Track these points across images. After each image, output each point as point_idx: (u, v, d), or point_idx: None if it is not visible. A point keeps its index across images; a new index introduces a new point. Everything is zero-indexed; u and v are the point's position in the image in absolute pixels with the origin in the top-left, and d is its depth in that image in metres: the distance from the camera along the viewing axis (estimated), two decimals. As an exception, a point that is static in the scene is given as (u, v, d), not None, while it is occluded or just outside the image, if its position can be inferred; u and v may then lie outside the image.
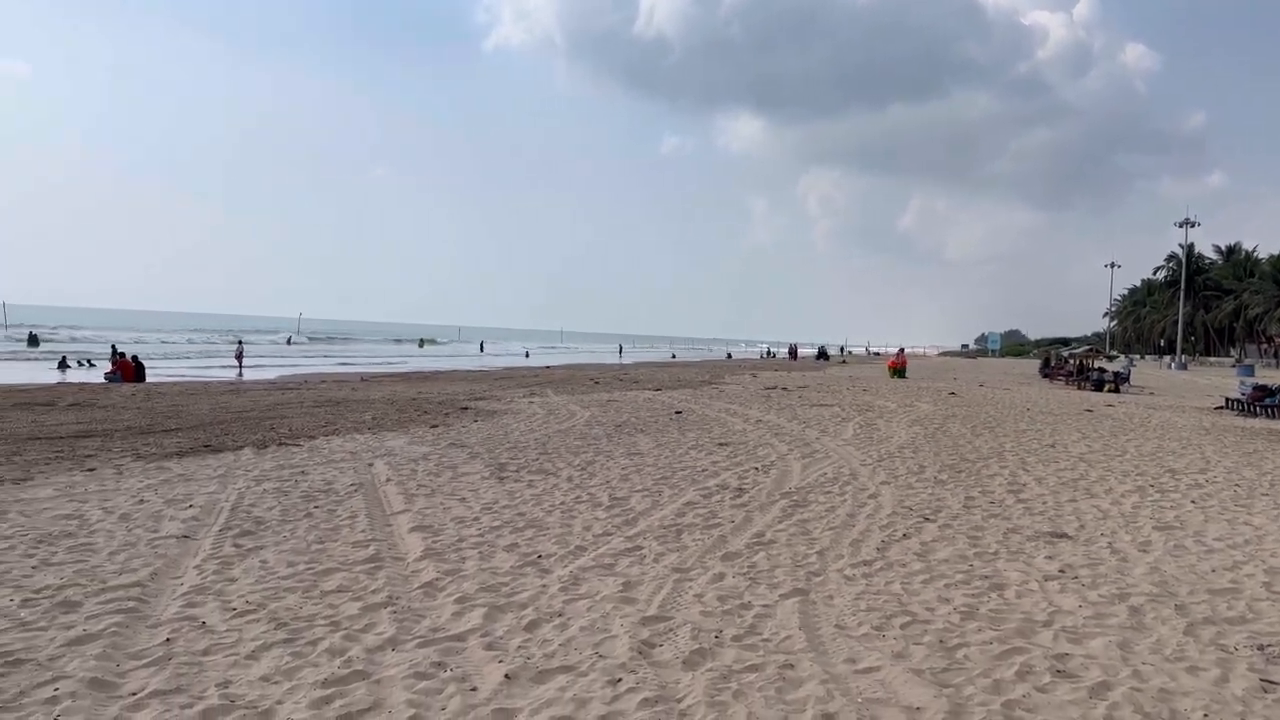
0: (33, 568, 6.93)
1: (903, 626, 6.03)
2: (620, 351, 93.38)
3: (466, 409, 21.50)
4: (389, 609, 6.15)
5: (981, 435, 17.62)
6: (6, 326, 72.78)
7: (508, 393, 27.52)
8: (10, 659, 5.10)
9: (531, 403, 23.64)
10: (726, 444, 15.32)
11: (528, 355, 78.59)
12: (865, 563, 7.57)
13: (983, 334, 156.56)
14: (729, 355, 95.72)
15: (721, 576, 7.07)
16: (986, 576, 7.28)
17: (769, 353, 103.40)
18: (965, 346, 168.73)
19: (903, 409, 23.60)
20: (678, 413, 21.38)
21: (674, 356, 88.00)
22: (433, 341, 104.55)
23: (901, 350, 60.20)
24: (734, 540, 8.29)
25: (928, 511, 9.80)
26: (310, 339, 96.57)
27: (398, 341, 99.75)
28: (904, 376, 43.44)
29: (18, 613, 5.88)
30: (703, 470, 12.34)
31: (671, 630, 5.82)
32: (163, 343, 65.02)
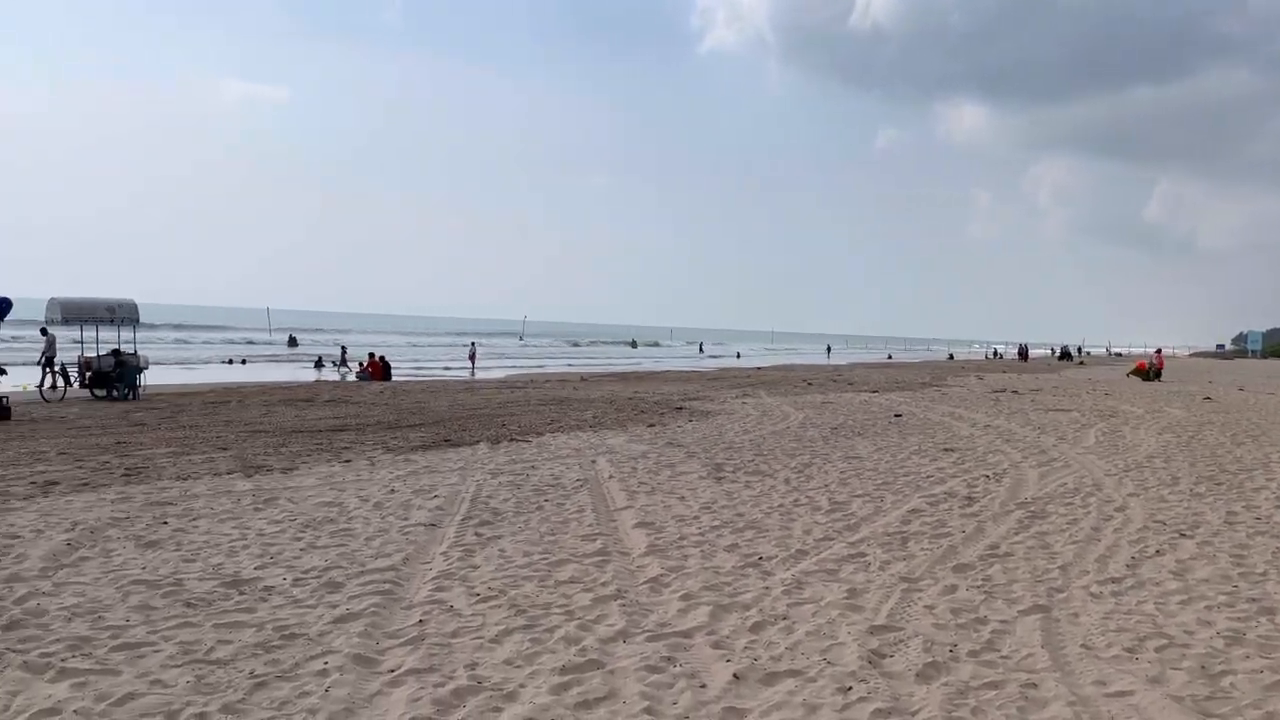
0: (301, 550, 7.61)
1: (1158, 649, 5.57)
2: (828, 352, 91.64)
3: (681, 409, 21.77)
4: (618, 601, 6.31)
5: (1244, 444, 16.02)
6: (271, 330, 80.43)
7: (720, 393, 27.64)
8: (286, 632, 5.62)
9: (744, 403, 23.64)
10: (952, 449, 14.71)
11: (739, 356, 78.63)
12: (1114, 580, 7.05)
13: (1241, 332, 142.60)
14: (950, 356, 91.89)
15: (953, 588, 6.79)
16: (1254, 599, 6.61)
17: (995, 353, 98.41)
18: (1221, 347, 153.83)
19: (1151, 415, 21.83)
20: (897, 415, 20.75)
21: (890, 357, 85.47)
22: (654, 344, 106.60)
23: (1159, 351, 55.65)
24: (965, 551, 7.95)
25: (1184, 527, 9.01)
26: (534, 340, 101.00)
27: (614, 343, 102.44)
28: (1157, 379, 40.13)
29: (291, 590, 6.48)
30: (927, 476, 11.91)
31: (902, 641, 5.65)
32: (412, 346, 69.81)
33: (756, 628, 5.83)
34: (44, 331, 25.53)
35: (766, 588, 6.69)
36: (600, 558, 7.48)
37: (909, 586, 6.80)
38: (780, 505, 9.77)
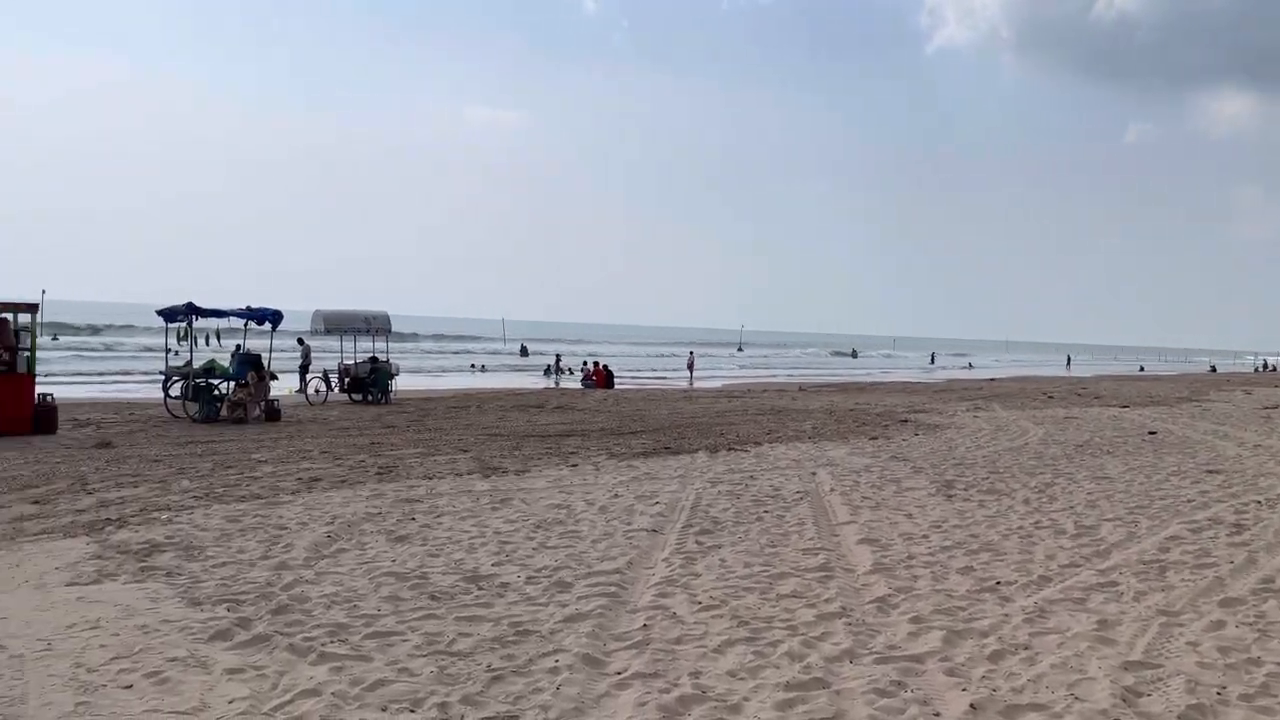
0: (533, 549, 7.90)
1: None
2: (1068, 363, 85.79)
3: (906, 421, 21.02)
4: (843, 620, 6.12)
5: None
6: (505, 340, 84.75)
7: (949, 406, 26.47)
8: (520, 629, 5.83)
9: (976, 417, 22.51)
10: (1217, 471, 13.36)
11: (970, 366, 75.13)
12: None
13: None
14: (1212, 369, 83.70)
15: (1220, 624, 6.12)
16: None
17: (1266, 366, 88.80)
18: None
19: None
20: (1151, 433, 19.10)
21: (1142, 369, 79.05)
22: (885, 354, 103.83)
23: None
24: (1234, 584, 7.16)
25: None
26: (752, 349, 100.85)
27: (832, 352, 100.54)
28: None
29: (524, 588, 6.73)
30: (1188, 500, 10.86)
31: (1161, 680, 5.14)
32: (630, 356, 71.66)
33: (995, 656, 5.48)
34: (301, 341, 28.30)
35: (1005, 615, 6.29)
36: (823, 573, 7.30)
37: (1168, 620, 6.19)
38: (1019, 527, 9.19)
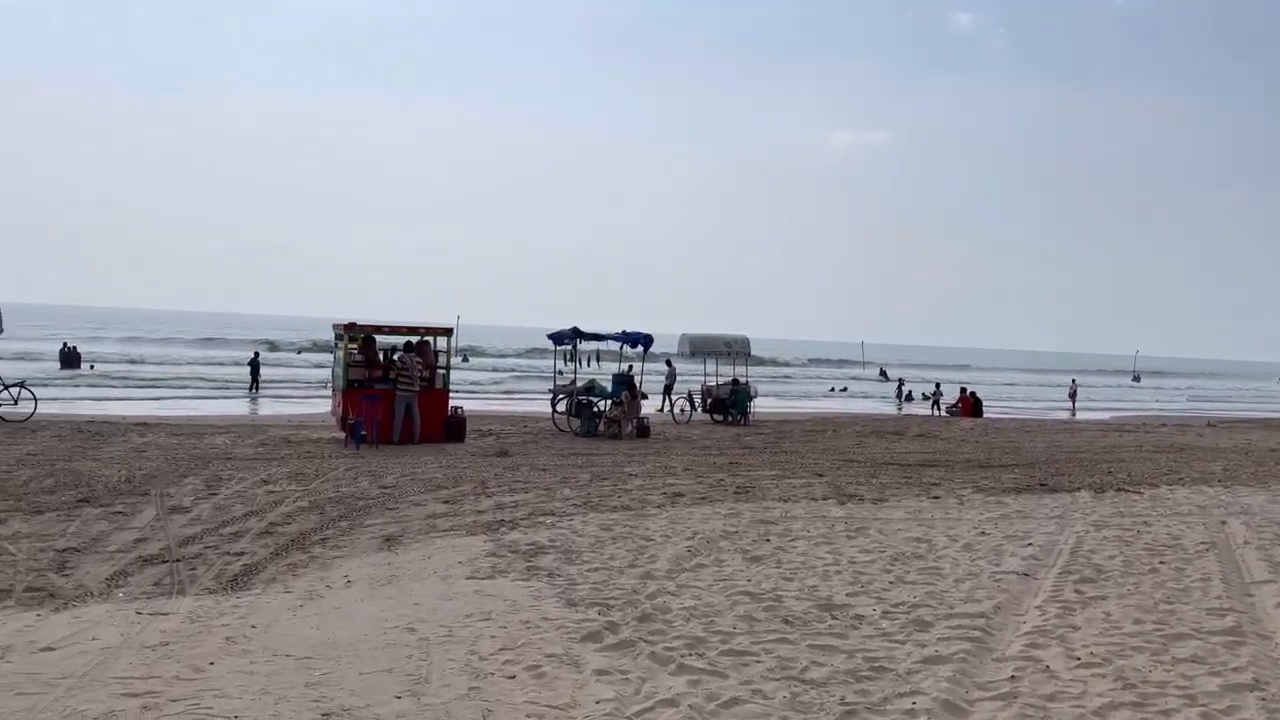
0: (890, 582, 7.63)
1: None
2: None
3: (1348, 468, 17.74)
4: (1256, 693, 5.26)
5: None
6: (864, 363, 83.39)
7: None
8: (875, 664, 5.64)
9: None
10: None
11: None
12: None
13: None
14: None
15: None
16: None
17: None
18: None
19: None
20: None
21: None
22: None
23: None
24: None
25: None
26: (1146, 376, 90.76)
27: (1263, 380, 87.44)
28: None
29: (879, 622, 6.51)
30: None
31: None
32: (1005, 385, 67.49)
33: None
34: (669, 363, 29.74)
35: None
36: (1232, 638, 6.33)
37: None
38: None
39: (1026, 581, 7.81)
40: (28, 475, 12.00)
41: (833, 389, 53.36)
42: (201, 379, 37.50)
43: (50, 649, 5.54)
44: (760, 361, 69.30)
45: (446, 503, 11.07)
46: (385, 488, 12.06)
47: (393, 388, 17.63)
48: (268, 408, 28.13)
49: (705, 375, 27.76)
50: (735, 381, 26.03)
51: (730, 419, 25.13)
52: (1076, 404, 43.76)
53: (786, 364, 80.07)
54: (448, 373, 19.10)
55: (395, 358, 18.13)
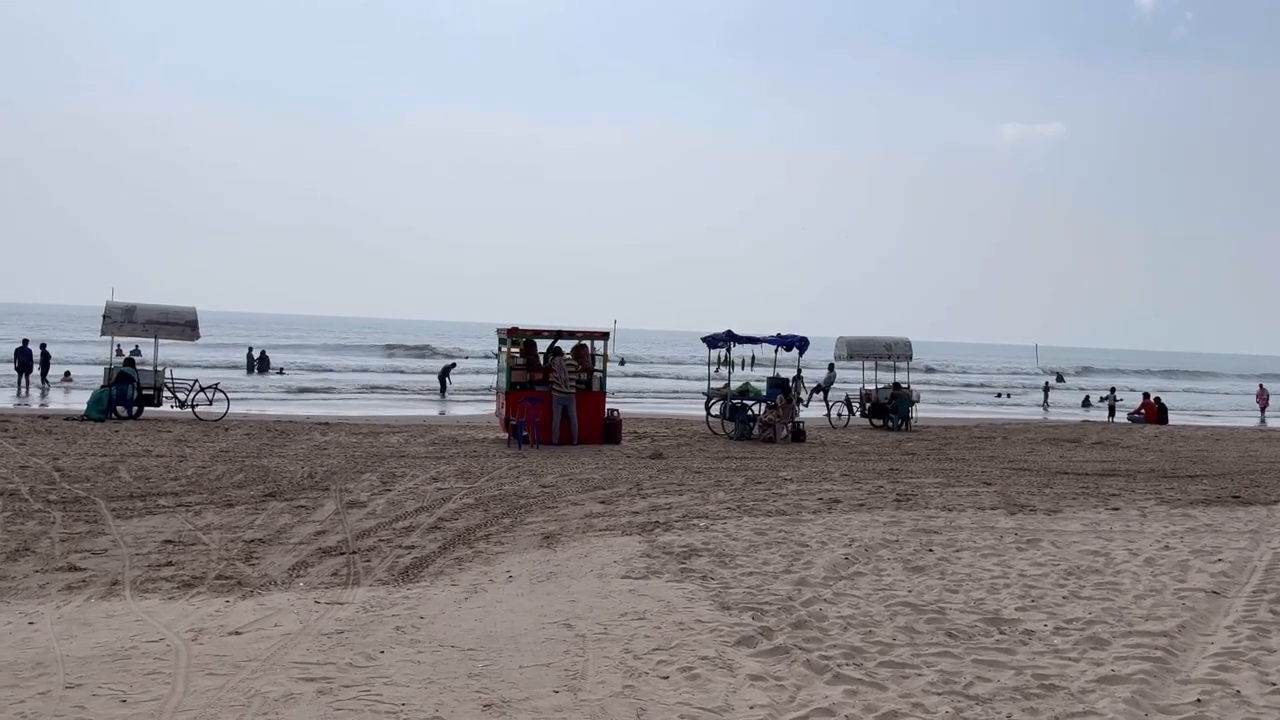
0: (1063, 597, 7.24)
1: None
2: None
3: None
4: None
5: None
6: (1040, 369, 79.71)
7: None
8: (1046, 682, 5.36)
9: None
10: None
11: None
12: None
13: None
14: None
15: None
16: None
17: None
18: None
19: None
20: None
21: None
22: None
23: None
24: None
25: None
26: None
27: None
28: None
29: (1051, 638, 6.18)
30: None
31: None
32: (1186, 391, 62.97)
33: None
34: (830, 367, 29.22)
35: None
36: None
37: None
38: None
39: (1215, 600, 7.25)
40: (221, 470, 12.96)
41: (1000, 394, 51.11)
42: (391, 387, 39.27)
43: (237, 633, 5.96)
44: (927, 368, 67.20)
45: (603, 503, 11.25)
46: (545, 487, 12.37)
47: (549, 389, 18.09)
48: (434, 409, 29.37)
49: (864, 379, 27.18)
50: (896, 386, 25.41)
51: (890, 424, 24.54)
52: (1266, 411, 40.25)
53: (950, 368, 77.33)
54: (604, 376, 19.42)
55: (550, 361, 18.58)
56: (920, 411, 26.29)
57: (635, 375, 51.97)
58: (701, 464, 15.43)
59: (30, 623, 6.06)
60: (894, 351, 26.51)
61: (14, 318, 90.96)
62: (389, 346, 68.99)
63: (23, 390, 28.96)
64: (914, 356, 27.36)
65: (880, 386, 25.82)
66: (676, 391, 41.40)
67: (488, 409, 26.20)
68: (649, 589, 7.24)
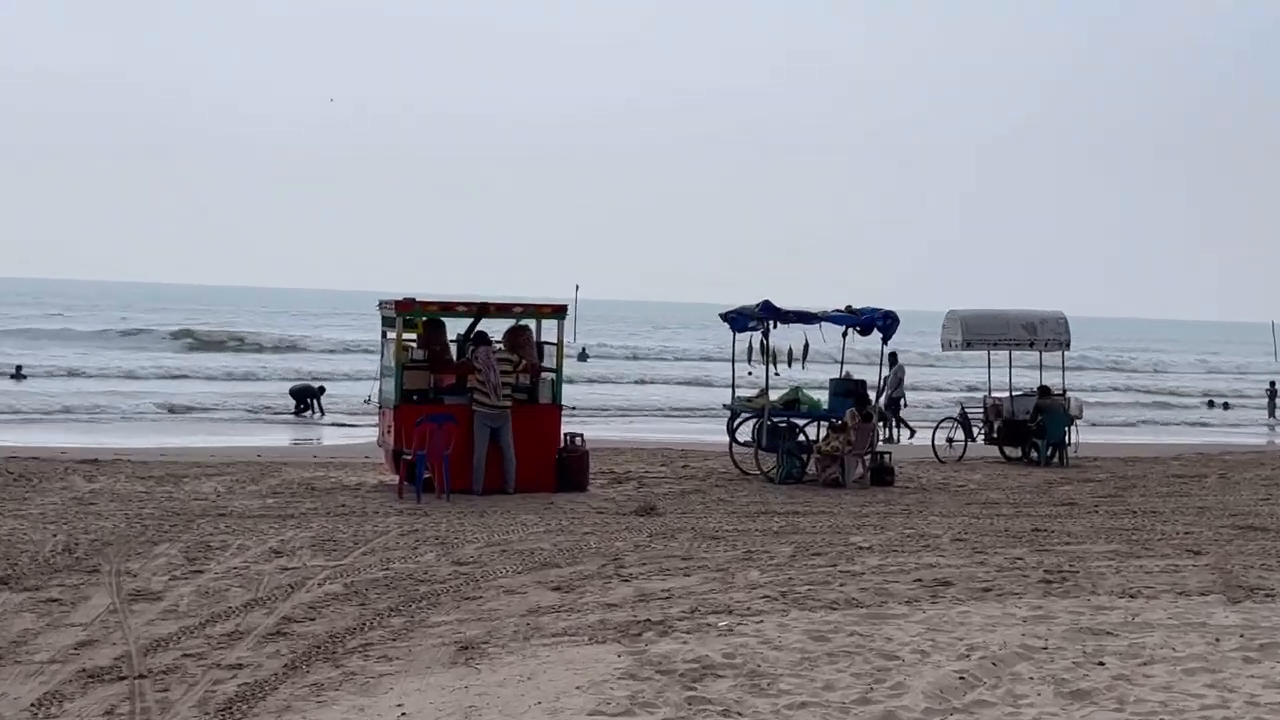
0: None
1: None
2: None
3: None
4: None
5: None
6: (1278, 355, 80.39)
7: None
8: None
9: None
10: None
11: None
12: None
13: None
14: None
15: None
16: None
17: None
18: None
19: None
20: None
21: None
22: None
23: None
24: None
25: None
26: None
27: None
28: None
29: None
30: None
31: None
32: None
33: None
34: (894, 359, 27.82)
35: None
36: None
37: None
38: None
39: None
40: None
41: (1212, 402, 51.40)
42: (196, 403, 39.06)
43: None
44: (1086, 362, 66.77)
45: (557, 589, 11.22)
46: (461, 564, 12.33)
47: (469, 402, 17.89)
48: (278, 437, 29.28)
49: (990, 381, 27.10)
50: (1044, 391, 25.11)
51: (1035, 456, 24.44)
52: None
53: (1127, 362, 77.60)
54: (559, 379, 19.22)
55: (470, 354, 18.31)
56: (1083, 434, 26.26)
57: (607, 379, 51.90)
58: (721, 524, 15.40)
59: None
60: (1039, 334, 26.19)
61: None
62: (182, 334, 68.32)
63: None
64: (1072, 343, 27.09)
65: (1018, 394, 25.65)
66: (679, 406, 41.44)
67: (366, 435, 26.08)
68: (636, 735, 7.22)
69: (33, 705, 7.70)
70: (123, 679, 8.28)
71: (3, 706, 7.69)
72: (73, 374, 45.66)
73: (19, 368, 43.67)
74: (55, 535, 13.37)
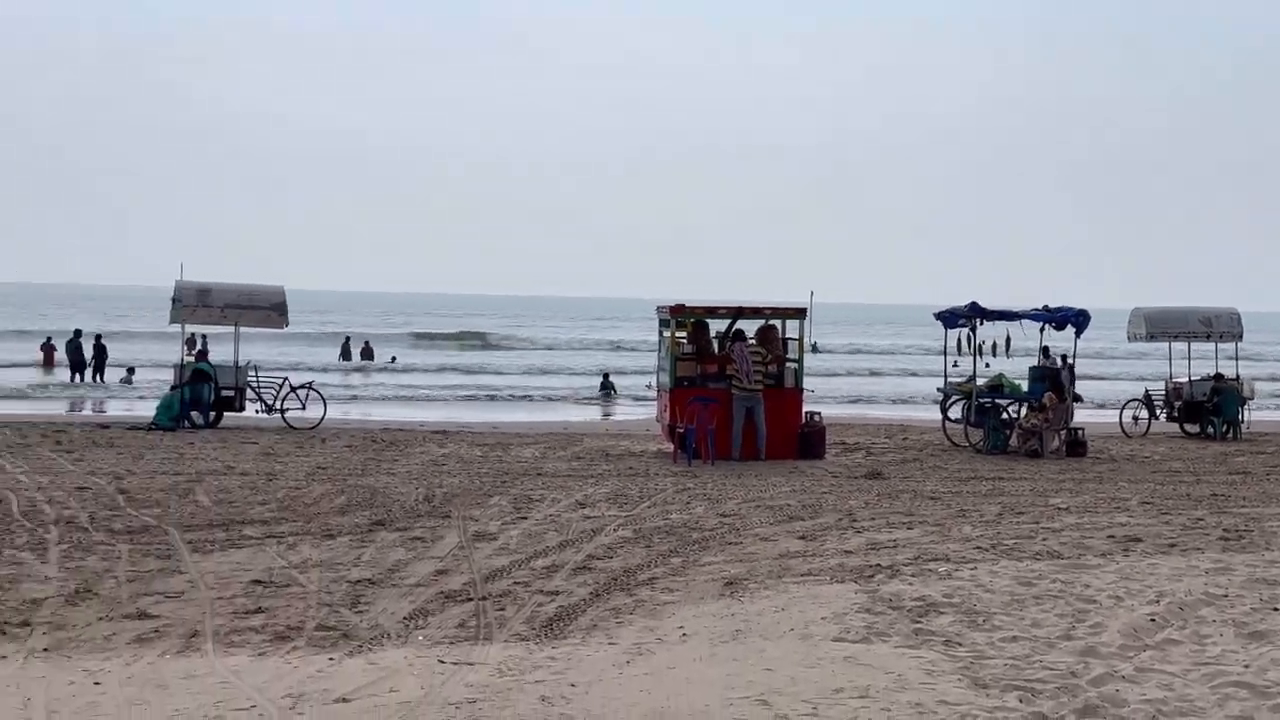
0: None
1: None
2: None
3: None
4: None
5: None
6: None
7: None
8: None
9: None
10: None
11: None
12: None
13: None
14: None
15: None
16: None
17: None
18: None
19: None
20: None
21: None
22: None
23: None
24: None
25: None
26: None
27: None
28: None
29: None
30: None
31: None
32: None
33: None
34: (1064, 360, 26.68)
35: None
36: None
37: None
38: None
39: None
40: (318, 492, 13.61)
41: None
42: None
43: (345, 700, 6.20)
44: (1262, 354, 62.91)
45: (802, 538, 11.15)
46: (725, 516, 12.37)
47: (728, 387, 18.00)
48: (579, 414, 29.93)
49: (1171, 368, 25.94)
50: (1218, 377, 24.16)
51: (1212, 431, 23.40)
52: None
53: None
54: (800, 368, 19.23)
55: (729, 348, 18.48)
56: (1255, 413, 25.03)
57: (834, 373, 51.22)
58: (937, 486, 15.09)
59: (96, 683, 6.48)
60: (1216, 328, 25.24)
61: (70, 303, 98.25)
62: (471, 336, 69.64)
63: (78, 393, 31.27)
64: (1243, 335, 25.99)
65: (1196, 379, 24.66)
66: (897, 392, 40.70)
67: (646, 413, 26.47)
68: (872, 656, 7.11)
69: (405, 618, 8.04)
70: (470, 600, 8.57)
71: (384, 618, 8.05)
72: (420, 369, 47.52)
73: (394, 357, 45.92)
74: (417, 489, 13.93)
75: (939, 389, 23.10)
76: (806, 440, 18.54)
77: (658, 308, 20.09)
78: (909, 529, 11.73)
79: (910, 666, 6.88)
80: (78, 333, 34.92)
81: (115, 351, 36.70)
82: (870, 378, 48.05)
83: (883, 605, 8.39)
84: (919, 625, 7.84)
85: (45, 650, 7.14)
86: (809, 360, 22.41)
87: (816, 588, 9.03)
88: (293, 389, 22.33)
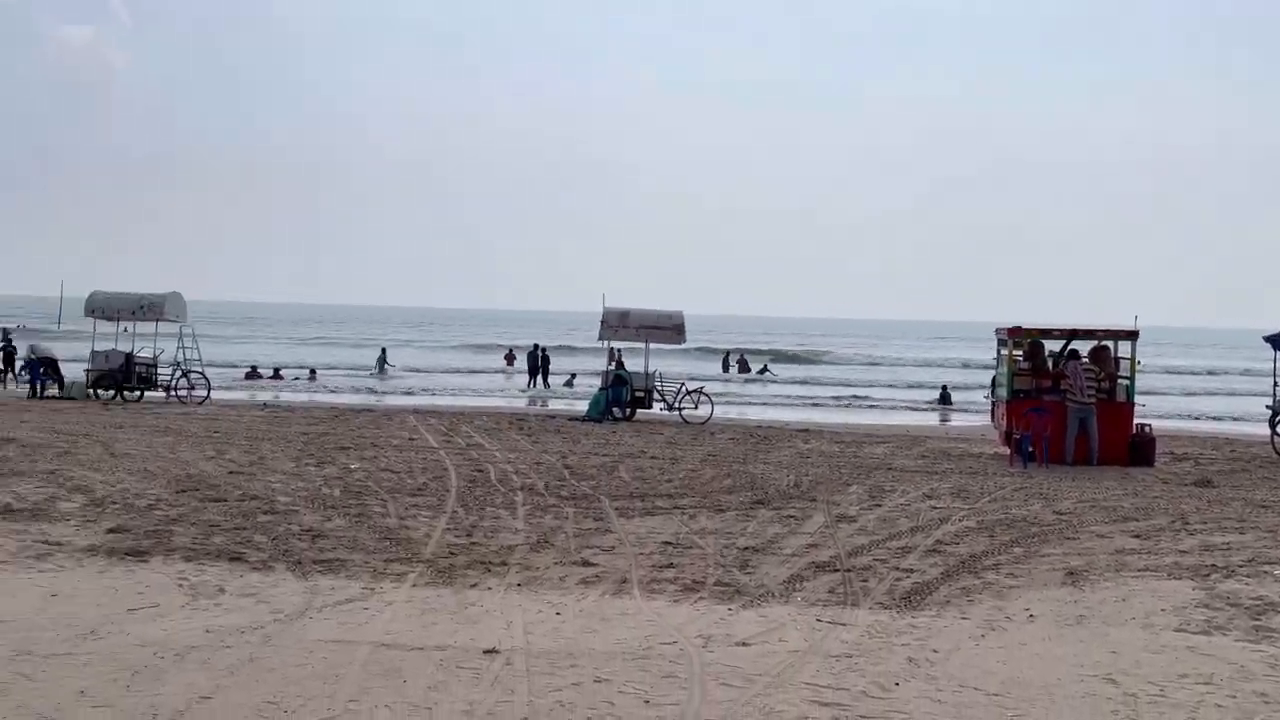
0: None
1: None
2: None
3: None
4: None
5: None
6: None
7: None
8: None
9: None
10: None
11: None
12: None
13: None
14: None
15: None
16: None
17: None
18: None
19: None
20: None
21: None
22: None
23: None
24: None
25: None
26: None
27: None
28: None
29: None
30: None
31: None
32: None
33: None
34: None
35: None
36: None
37: None
38: None
39: None
40: (710, 474, 13.91)
41: None
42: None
43: (744, 644, 6.29)
44: None
45: (1137, 537, 10.26)
46: (1060, 513, 11.59)
47: (1061, 399, 16.90)
48: (919, 419, 29.00)
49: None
50: None
51: None
52: None
53: None
54: (1131, 383, 17.75)
55: (1062, 365, 17.39)
56: None
57: (1154, 391, 46.77)
58: (1268, 496, 13.45)
59: (557, 613, 6.94)
60: None
61: (525, 325, 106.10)
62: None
63: (532, 390, 33.88)
64: None
65: None
66: (1223, 411, 36.67)
67: (979, 420, 25.27)
68: (1213, 648, 6.44)
69: (785, 581, 8.07)
70: (836, 571, 8.48)
71: (768, 580, 8.10)
72: (784, 381, 47.57)
73: (765, 368, 45.96)
74: (788, 475, 13.96)
75: (1267, 405, 20.61)
76: (1137, 448, 17.00)
77: (996, 329, 19.15)
78: (1241, 533, 10.51)
79: (1253, 659, 6.18)
80: (536, 345, 37.44)
81: (557, 363, 39.14)
82: (1193, 396, 43.56)
83: (1220, 602, 7.57)
84: (1258, 623, 7.03)
85: (519, 585, 7.73)
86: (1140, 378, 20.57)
87: (1155, 582, 8.26)
88: (688, 392, 23.10)
